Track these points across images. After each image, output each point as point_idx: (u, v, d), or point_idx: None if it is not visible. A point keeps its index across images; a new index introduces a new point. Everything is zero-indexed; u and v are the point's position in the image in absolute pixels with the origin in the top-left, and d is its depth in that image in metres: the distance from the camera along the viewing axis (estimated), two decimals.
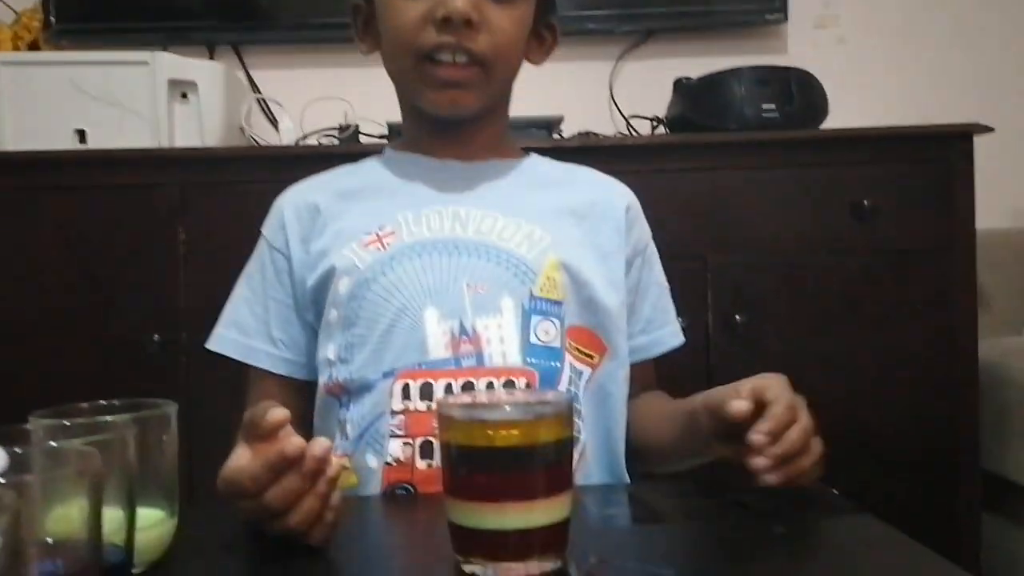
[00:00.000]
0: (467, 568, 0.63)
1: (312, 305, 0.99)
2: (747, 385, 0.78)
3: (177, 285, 1.65)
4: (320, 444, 0.66)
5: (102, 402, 0.68)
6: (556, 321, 0.93)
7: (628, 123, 1.94)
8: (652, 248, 1.08)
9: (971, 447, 1.67)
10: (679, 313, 1.35)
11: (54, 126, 1.71)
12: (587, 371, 0.95)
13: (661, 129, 1.88)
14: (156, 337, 1.62)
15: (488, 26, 0.93)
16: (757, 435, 0.74)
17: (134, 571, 0.63)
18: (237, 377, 1.03)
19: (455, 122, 1.00)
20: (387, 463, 0.88)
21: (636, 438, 1.00)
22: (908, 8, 2.14)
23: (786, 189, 1.70)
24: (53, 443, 0.55)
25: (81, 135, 1.72)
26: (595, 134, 1.79)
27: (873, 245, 1.70)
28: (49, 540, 0.50)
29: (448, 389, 0.88)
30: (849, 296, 1.69)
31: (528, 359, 0.90)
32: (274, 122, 2.04)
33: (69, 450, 0.52)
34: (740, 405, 0.76)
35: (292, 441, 0.66)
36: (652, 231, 1.09)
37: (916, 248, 1.71)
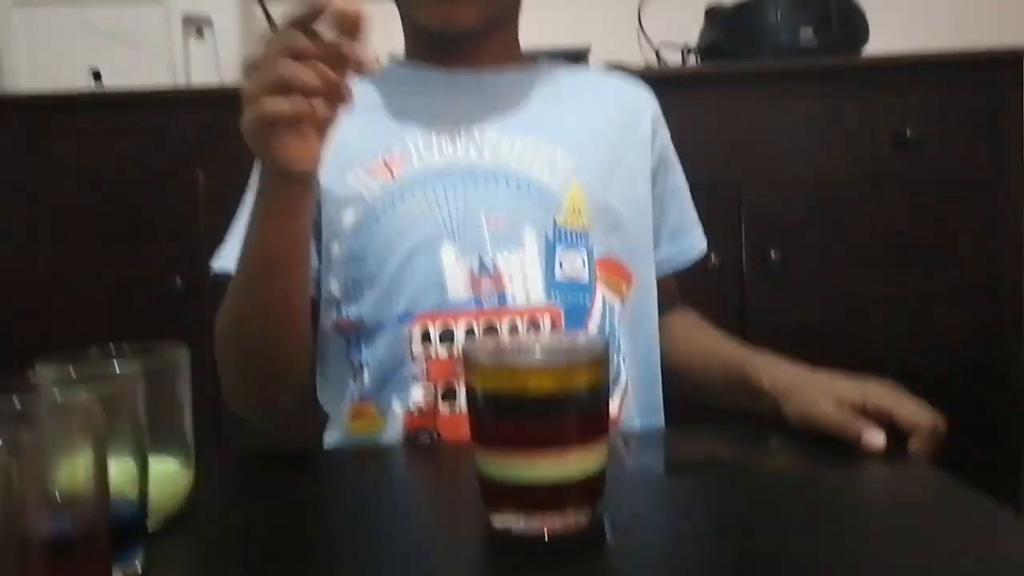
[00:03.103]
0: (497, 522, 0.60)
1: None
2: (873, 400, 0.75)
3: (198, 227, 1.61)
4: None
5: (111, 346, 0.65)
6: (583, 252, 0.87)
7: (657, 53, 1.86)
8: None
9: (1015, 387, 1.62)
10: (711, 250, 1.28)
11: (68, 66, 1.67)
12: (617, 304, 0.90)
13: (692, 59, 1.81)
14: (179, 281, 1.60)
15: None
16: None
17: (150, 527, 0.61)
18: None
19: (456, 37, 0.91)
20: (408, 410, 0.84)
21: (671, 364, 0.96)
22: None
23: (824, 119, 1.63)
24: (57, 397, 0.52)
25: (96, 75, 1.69)
26: (623, 65, 1.72)
27: (915, 177, 1.63)
28: (58, 498, 0.48)
29: (469, 332, 0.83)
30: (889, 231, 1.63)
31: (553, 295, 0.85)
32: None
33: (73, 406, 0.49)
34: (879, 440, 0.72)
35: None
36: (684, 165, 1.03)
37: (960, 180, 1.64)
